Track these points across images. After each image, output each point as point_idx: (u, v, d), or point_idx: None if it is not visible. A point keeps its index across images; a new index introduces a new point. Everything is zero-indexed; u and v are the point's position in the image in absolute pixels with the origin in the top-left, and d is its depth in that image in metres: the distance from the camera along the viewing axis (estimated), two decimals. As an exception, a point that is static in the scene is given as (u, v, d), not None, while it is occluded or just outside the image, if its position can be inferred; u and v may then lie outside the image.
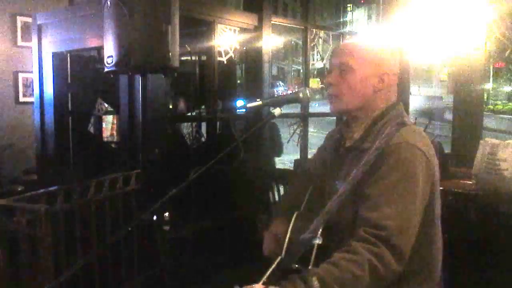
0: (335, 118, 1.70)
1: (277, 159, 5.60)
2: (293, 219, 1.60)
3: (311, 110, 5.70)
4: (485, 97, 18.10)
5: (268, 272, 1.40)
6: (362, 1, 42.92)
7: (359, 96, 1.54)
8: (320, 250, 1.42)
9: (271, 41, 4.68)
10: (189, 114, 4.88)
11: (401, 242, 1.32)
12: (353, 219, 1.42)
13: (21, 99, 5.52)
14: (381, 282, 1.30)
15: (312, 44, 5.27)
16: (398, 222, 1.33)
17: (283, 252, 1.53)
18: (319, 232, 1.41)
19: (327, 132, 1.87)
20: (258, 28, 4.49)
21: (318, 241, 1.42)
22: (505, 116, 19.36)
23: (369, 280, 1.27)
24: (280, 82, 33.37)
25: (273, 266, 1.44)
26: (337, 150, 1.65)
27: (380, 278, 1.29)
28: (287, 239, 1.56)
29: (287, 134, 5.30)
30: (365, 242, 1.30)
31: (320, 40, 5.44)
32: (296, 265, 1.44)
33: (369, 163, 1.41)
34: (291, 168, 5.68)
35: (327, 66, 1.60)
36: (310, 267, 1.36)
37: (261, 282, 1.31)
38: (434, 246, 1.52)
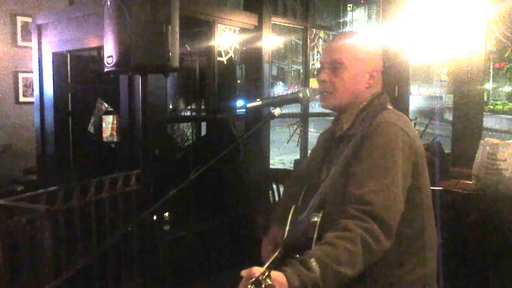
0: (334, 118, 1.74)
1: (277, 159, 5.61)
2: (291, 212, 1.62)
3: (311, 110, 5.70)
4: (485, 97, 18.09)
5: (271, 259, 1.41)
6: (362, 1, 42.94)
7: (352, 92, 1.59)
8: (318, 236, 1.44)
9: (271, 41, 4.68)
10: (189, 114, 4.89)
11: (387, 216, 1.35)
12: (343, 198, 1.45)
13: (21, 99, 5.53)
14: (372, 256, 1.32)
15: (312, 44, 5.27)
16: (382, 196, 1.37)
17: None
18: (317, 211, 1.44)
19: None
20: (258, 28, 4.49)
21: (316, 218, 1.44)
22: (505, 116, 19.34)
23: (362, 254, 1.29)
24: (280, 82, 33.37)
25: (275, 254, 1.45)
26: (329, 145, 1.69)
27: (371, 252, 1.31)
28: (286, 231, 1.57)
29: (287, 134, 5.30)
30: (355, 219, 1.33)
31: (320, 40, 5.44)
32: (297, 255, 1.45)
33: (356, 144, 1.46)
34: (291, 168, 5.68)
35: (324, 62, 1.62)
36: (313, 245, 1.38)
37: (264, 267, 1.32)
38: (425, 231, 1.53)
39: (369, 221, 1.32)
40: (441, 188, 2.94)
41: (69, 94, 4.33)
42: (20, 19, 5.45)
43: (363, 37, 1.62)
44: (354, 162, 1.45)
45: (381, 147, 1.44)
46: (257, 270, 1.21)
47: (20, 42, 5.47)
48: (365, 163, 1.43)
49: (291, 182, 1.93)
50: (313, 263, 1.24)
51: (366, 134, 1.46)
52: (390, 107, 1.59)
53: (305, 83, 5.56)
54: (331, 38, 5.49)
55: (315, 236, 1.43)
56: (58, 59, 4.16)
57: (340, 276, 1.26)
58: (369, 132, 1.46)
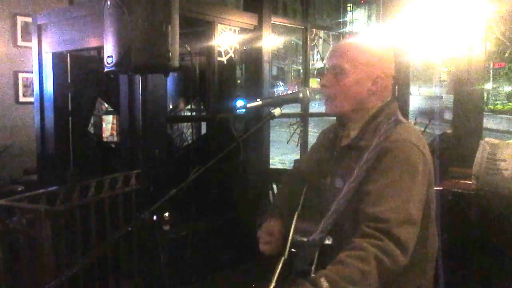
0: (335, 118, 1.70)
1: (277, 159, 5.60)
2: (294, 219, 1.60)
3: (311, 110, 5.70)
4: (485, 97, 18.07)
5: (276, 276, 1.40)
6: (362, 1, 42.89)
7: (353, 99, 1.54)
8: (321, 249, 1.43)
9: (271, 41, 4.68)
10: (189, 114, 4.88)
11: (402, 233, 1.33)
12: (355, 217, 1.43)
13: (21, 99, 5.52)
14: (387, 274, 1.30)
15: (312, 44, 5.27)
16: (398, 214, 1.35)
17: (286, 253, 1.53)
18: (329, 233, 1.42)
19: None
20: (258, 28, 4.49)
21: (328, 241, 1.43)
22: (505, 116, 19.33)
23: (376, 273, 1.28)
24: (280, 82, 33.37)
25: (278, 268, 1.44)
26: (333, 149, 1.65)
27: (387, 270, 1.29)
28: (289, 240, 1.55)
29: (287, 134, 5.30)
30: (368, 237, 1.32)
31: (320, 40, 5.45)
32: (300, 264, 1.44)
33: (371, 161, 1.43)
34: (291, 168, 5.67)
35: (327, 66, 1.60)
36: (313, 266, 1.37)
37: (271, 287, 1.31)
38: (428, 242, 1.53)
39: (383, 239, 1.30)
40: (441, 188, 2.94)
41: (69, 94, 4.33)
42: (20, 19, 5.45)
43: (368, 40, 1.56)
44: (368, 180, 1.42)
45: (400, 166, 1.41)
46: None
47: (20, 42, 5.47)
48: (382, 181, 1.40)
49: (290, 179, 1.89)
50: (324, 282, 1.23)
51: (382, 151, 1.43)
52: (402, 118, 1.55)
53: (305, 83, 5.57)
54: (333, 40, 5.53)
55: (315, 257, 1.42)
56: (58, 59, 4.16)
57: None
58: (385, 150, 1.43)
